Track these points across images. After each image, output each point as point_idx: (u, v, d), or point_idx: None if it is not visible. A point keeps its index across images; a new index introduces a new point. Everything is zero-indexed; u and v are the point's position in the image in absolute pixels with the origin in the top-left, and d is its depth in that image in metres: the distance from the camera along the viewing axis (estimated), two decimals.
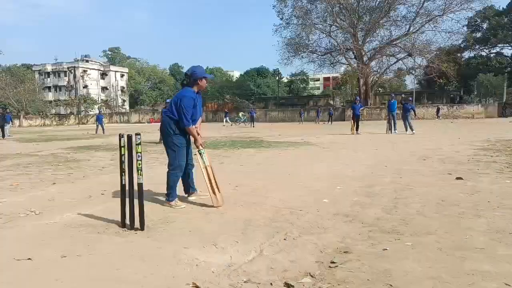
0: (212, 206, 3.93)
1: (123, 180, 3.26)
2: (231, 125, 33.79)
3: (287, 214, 3.64)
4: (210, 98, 59.90)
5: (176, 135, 3.95)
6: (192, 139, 4.06)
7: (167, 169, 4.09)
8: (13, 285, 2.19)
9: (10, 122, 23.00)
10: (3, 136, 19.49)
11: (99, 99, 66.87)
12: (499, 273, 2.24)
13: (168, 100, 14.03)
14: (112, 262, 2.50)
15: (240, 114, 40.83)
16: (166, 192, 4.06)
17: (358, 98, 18.44)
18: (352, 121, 16.92)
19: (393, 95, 19.28)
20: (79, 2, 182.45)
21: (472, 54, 50.60)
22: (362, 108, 17.60)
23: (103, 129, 23.23)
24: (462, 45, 46.68)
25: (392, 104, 16.66)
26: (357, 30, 38.77)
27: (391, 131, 16.16)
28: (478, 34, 49.53)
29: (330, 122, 32.59)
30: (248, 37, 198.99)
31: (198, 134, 4.01)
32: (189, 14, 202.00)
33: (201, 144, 4.00)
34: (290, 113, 43.82)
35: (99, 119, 23.94)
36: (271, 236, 3.01)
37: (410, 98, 18.56)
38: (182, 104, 3.81)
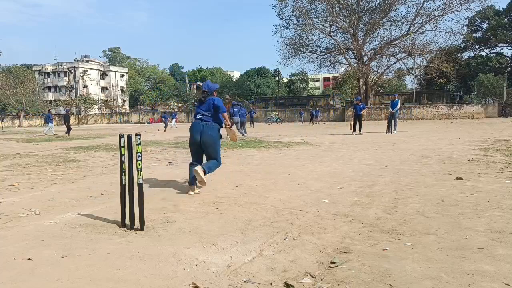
0: (212, 206, 3.94)
1: (123, 180, 3.26)
2: (176, 127, 30.98)
3: (287, 214, 3.64)
4: None
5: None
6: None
7: (215, 162, 4.74)
8: (13, 285, 2.19)
9: (50, 122, 23.93)
10: (68, 133, 20.90)
11: (99, 99, 66.88)
12: (499, 273, 2.24)
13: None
14: (112, 262, 2.50)
15: (273, 113, 40.14)
16: (206, 173, 4.57)
17: (359, 98, 18.02)
18: (352, 120, 16.85)
19: (396, 94, 19.18)
20: (79, 2, 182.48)
21: (472, 54, 50.60)
22: (365, 109, 17.36)
23: (166, 126, 25.36)
24: (462, 45, 46.67)
25: (394, 103, 16.58)
26: (357, 30, 38.75)
27: (391, 131, 16.15)
28: (478, 34, 49.52)
29: (311, 123, 32.34)
30: (248, 37, 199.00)
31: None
32: (189, 14, 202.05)
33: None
34: (290, 113, 43.82)
35: (165, 118, 26.43)
36: (271, 236, 3.01)
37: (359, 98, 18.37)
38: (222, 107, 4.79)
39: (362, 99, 40.35)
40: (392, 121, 16.29)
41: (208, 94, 4.83)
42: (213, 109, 4.67)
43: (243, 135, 15.39)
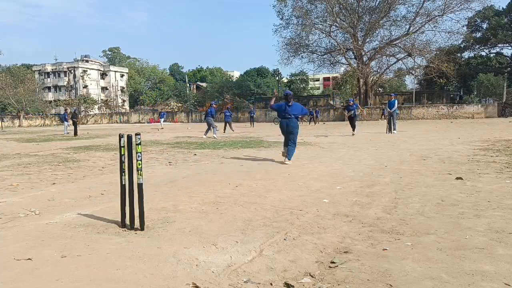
0: (212, 206, 3.94)
1: (123, 180, 3.26)
2: (162, 128, 28.96)
3: (287, 214, 3.64)
4: (210, 98, 59.82)
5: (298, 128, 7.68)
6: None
7: (293, 146, 7.47)
8: (13, 285, 2.19)
9: (66, 121, 24.23)
10: (76, 133, 20.89)
11: (99, 99, 66.87)
12: (499, 273, 2.24)
13: (213, 102, 18.85)
14: (112, 262, 2.50)
15: None
16: (289, 157, 7.41)
17: (351, 100, 17.32)
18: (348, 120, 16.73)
19: (393, 94, 18.88)
20: (79, 2, 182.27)
21: (472, 54, 50.52)
22: (355, 109, 16.37)
23: (229, 125, 23.47)
24: (462, 45, 46.64)
25: (391, 103, 16.53)
26: (357, 30, 38.74)
27: (391, 131, 16.13)
28: (478, 34, 49.43)
29: (314, 123, 32.34)
30: (248, 37, 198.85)
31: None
32: (189, 14, 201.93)
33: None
34: None
35: (228, 116, 24.49)
36: (271, 236, 3.01)
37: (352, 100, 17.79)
38: (305, 109, 8.14)
39: (362, 99, 40.43)
40: (392, 121, 16.23)
41: (291, 98, 7.50)
42: (299, 112, 7.61)
43: (233, 130, 20.48)
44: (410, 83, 57.99)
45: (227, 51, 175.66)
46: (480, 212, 3.55)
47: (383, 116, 34.95)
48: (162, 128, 28.55)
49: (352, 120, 16.20)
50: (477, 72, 46.61)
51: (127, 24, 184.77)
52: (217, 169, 6.70)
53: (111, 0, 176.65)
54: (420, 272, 2.29)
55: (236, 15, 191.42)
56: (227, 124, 21.00)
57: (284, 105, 7.42)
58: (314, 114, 34.47)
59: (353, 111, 16.23)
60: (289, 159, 7.39)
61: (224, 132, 20.18)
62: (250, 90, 58.26)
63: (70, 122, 22.41)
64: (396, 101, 16.96)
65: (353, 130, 16.09)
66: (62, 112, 24.67)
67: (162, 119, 31.73)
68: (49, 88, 72.43)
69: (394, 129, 16.16)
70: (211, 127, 16.00)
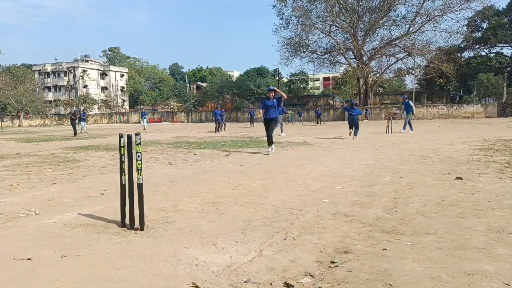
0: (212, 206, 3.94)
1: (123, 180, 3.26)
2: (145, 129, 26.34)
3: (287, 214, 3.64)
4: (210, 98, 59.83)
5: None
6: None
7: (357, 129, 13.54)
8: (13, 285, 2.19)
9: (83, 121, 24.58)
10: (75, 133, 21.19)
11: (99, 99, 66.88)
12: (498, 273, 2.24)
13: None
14: (112, 262, 2.50)
15: (289, 113, 39.11)
16: (355, 134, 13.38)
17: (271, 88, 9.45)
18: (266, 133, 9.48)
19: (405, 96, 18.38)
20: (79, 2, 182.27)
21: (472, 54, 50.54)
22: (279, 104, 9.43)
23: (219, 127, 22.96)
24: (462, 45, 46.67)
25: (407, 105, 16.52)
26: (357, 30, 38.79)
27: (391, 131, 16.11)
28: (478, 34, 49.45)
29: (319, 123, 32.36)
30: (248, 37, 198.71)
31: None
32: (189, 14, 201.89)
33: None
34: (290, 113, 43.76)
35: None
36: (271, 236, 3.01)
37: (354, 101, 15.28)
38: (359, 110, 14.66)
39: (362, 99, 40.60)
40: (406, 120, 16.20)
41: (354, 105, 13.75)
42: (358, 113, 13.72)
43: (218, 131, 21.02)
44: (410, 83, 58.08)
45: (227, 51, 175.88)
46: (480, 212, 3.55)
47: (366, 117, 34.98)
48: (145, 129, 25.73)
49: (268, 126, 9.33)
50: (477, 72, 46.60)
51: (127, 24, 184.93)
52: (217, 169, 6.70)
53: (111, 0, 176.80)
54: (420, 272, 2.29)
55: (236, 15, 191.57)
56: (218, 124, 22.21)
57: (350, 108, 13.79)
58: (318, 113, 34.46)
59: (271, 114, 9.29)
60: (355, 135, 13.20)
61: (219, 131, 21.08)
62: (250, 90, 58.20)
63: (87, 121, 22.97)
64: (411, 102, 16.82)
65: (270, 143, 9.29)
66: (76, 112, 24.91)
67: (145, 119, 28.65)
68: (49, 88, 72.45)
69: (403, 129, 16.08)
70: (280, 126, 17.14)
